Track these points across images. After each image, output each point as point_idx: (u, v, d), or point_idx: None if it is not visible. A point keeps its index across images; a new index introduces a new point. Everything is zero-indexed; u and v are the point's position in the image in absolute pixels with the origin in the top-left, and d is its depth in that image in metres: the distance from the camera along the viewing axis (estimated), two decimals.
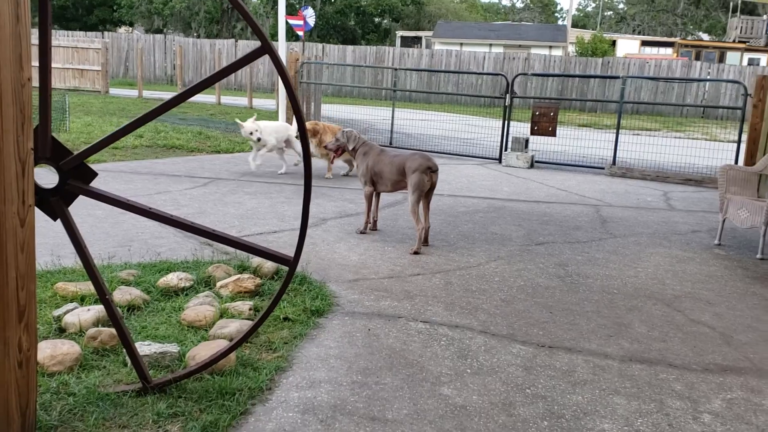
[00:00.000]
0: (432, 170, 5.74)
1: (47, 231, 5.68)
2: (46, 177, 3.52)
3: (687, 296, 4.94)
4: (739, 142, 10.08)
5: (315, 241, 5.92)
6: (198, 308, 4.02)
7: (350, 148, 6.30)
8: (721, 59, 35.33)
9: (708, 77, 25.83)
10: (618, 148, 10.90)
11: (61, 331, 3.76)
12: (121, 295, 4.15)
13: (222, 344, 3.49)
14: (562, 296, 4.79)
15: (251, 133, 8.73)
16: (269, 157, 10.18)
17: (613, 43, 36.71)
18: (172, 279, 4.47)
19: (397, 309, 4.37)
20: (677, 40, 38.04)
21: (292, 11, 25.19)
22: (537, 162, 11.37)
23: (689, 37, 49.97)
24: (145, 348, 3.43)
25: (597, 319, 4.37)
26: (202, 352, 3.39)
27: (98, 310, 3.87)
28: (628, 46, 37.19)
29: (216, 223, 6.33)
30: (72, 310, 3.91)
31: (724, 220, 6.48)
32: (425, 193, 5.80)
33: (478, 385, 3.34)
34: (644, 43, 37.51)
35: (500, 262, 5.56)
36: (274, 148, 9.16)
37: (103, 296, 2.93)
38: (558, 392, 3.32)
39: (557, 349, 3.85)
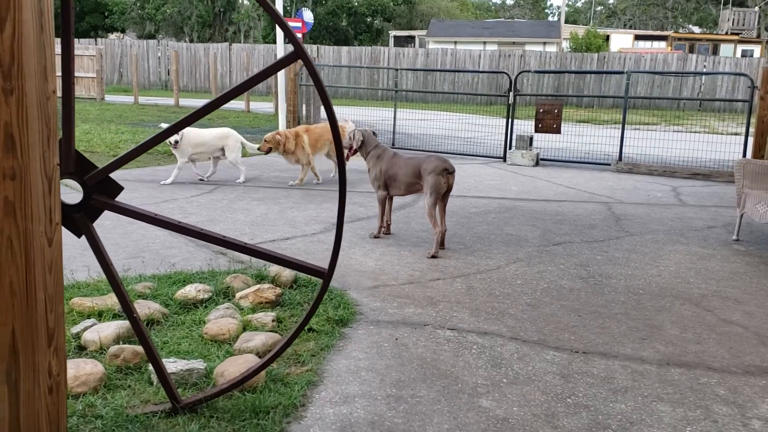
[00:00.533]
0: (449, 172, 5.63)
1: None
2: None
3: (714, 295, 4.85)
4: (746, 134, 10.01)
5: (329, 247, 5.81)
6: (220, 321, 3.91)
7: (354, 147, 6.19)
8: (715, 51, 35.37)
9: (704, 70, 25.80)
10: (623, 143, 10.81)
11: (81, 349, 3.64)
12: (140, 309, 4.03)
13: (249, 359, 3.38)
14: (587, 298, 4.69)
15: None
16: (271, 164, 10.05)
17: (607, 38, 36.70)
18: (190, 291, 4.35)
19: (422, 316, 4.26)
20: (670, 33, 38.06)
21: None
22: (542, 160, 11.28)
23: (680, 30, 50.04)
24: (170, 365, 3.31)
25: (627, 322, 4.27)
26: (230, 368, 3.28)
27: (118, 325, 3.75)
28: (621, 40, 37.18)
29: (227, 231, 6.20)
30: (90, 326, 3.79)
31: (741, 215, 6.39)
32: (442, 196, 5.69)
33: (516, 396, 3.23)
34: (638, 38, 37.52)
35: (520, 264, 5.46)
36: (192, 158, 8.66)
37: (130, 314, 2.81)
38: (600, 401, 3.21)
39: (592, 355, 3.75)
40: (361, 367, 3.50)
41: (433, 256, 5.56)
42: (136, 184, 8.33)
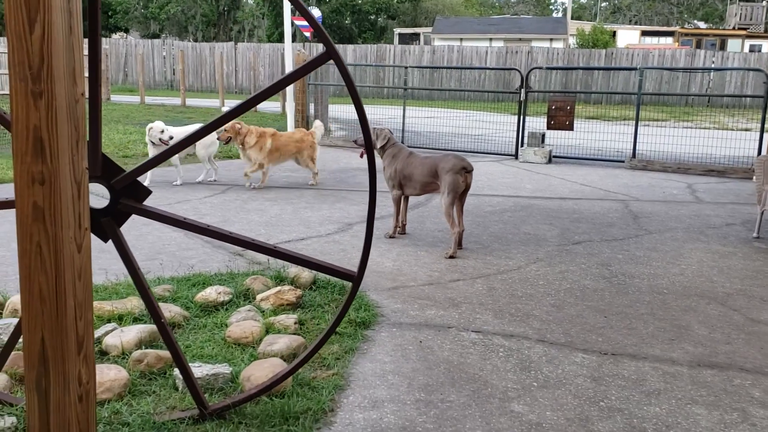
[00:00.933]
0: (467, 170, 5.57)
1: None
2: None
3: (739, 294, 4.78)
4: (762, 131, 9.90)
5: (345, 248, 5.76)
6: (242, 324, 3.86)
7: (378, 146, 6.13)
8: (722, 47, 35.17)
9: (713, 65, 25.65)
10: (636, 140, 10.73)
11: (102, 354, 3.60)
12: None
13: (275, 362, 3.33)
14: (612, 298, 4.62)
15: (162, 132, 8.07)
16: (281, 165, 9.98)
17: (614, 34, 36.52)
18: (211, 293, 4.30)
19: (444, 318, 4.20)
20: (677, 29, 37.87)
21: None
22: (555, 157, 11.20)
23: (686, 26, 49.81)
24: (196, 370, 3.26)
25: (654, 322, 4.20)
26: (256, 372, 3.22)
27: (139, 329, 3.71)
28: (628, 36, 37.00)
29: (242, 232, 6.15)
30: (111, 331, 3.75)
31: (762, 213, 6.31)
32: (459, 195, 5.63)
33: (548, 400, 3.17)
34: (644, 33, 37.33)
35: (540, 264, 5.39)
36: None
37: (158, 320, 2.76)
38: (633, 404, 3.15)
39: (621, 357, 3.68)
40: (387, 370, 3.45)
41: (451, 257, 5.51)
42: (147, 185, 8.28)
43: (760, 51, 33.63)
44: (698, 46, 33.93)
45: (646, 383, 3.37)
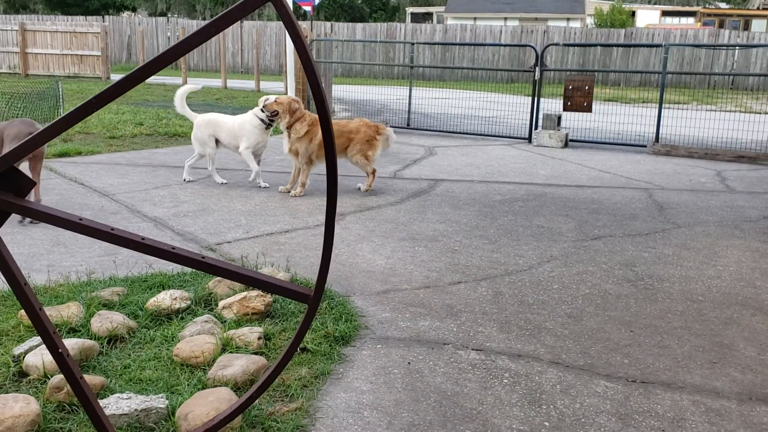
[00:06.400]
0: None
1: (23, 239, 4.89)
2: None
3: None
4: None
5: (334, 242, 5.08)
6: (195, 340, 3.21)
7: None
8: (746, 27, 33.95)
9: (738, 45, 24.61)
10: (660, 123, 9.95)
11: (21, 377, 2.97)
12: (101, 323, 3.34)
13: (222, 395, 2.67)
14: (639, 307, 3.93)
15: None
16: (274, 146, 9.32)
17: (633, 14, 35.38)
18: (164, 299, 3.65)
19: (440, 331, 3.54)
20: (699, 9, 36.62)
21: None
22: (571, 141, 10.43)
23: (708, 6, 48.36)
24: (123, 403, 2.62)
25: (690, 339, 3.51)
26: (196, 408, 2.57)
27: (69, 346, 3.06)
28: (648, 16, 35.83)
29: (220, 222, 5.50)
30: (37, 346, 3.11)
31: None
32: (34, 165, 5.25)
33: None
34: (665, 14, 36.14)
35: (555, 263, 4.70)
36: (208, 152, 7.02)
37: (55, 350, 2.11)
38: None
39: (653, 386, 3.00)
40: (363, 403, 2.79)
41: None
42: (127, 168, 7.65)
43: None
44: (721, 26, 32.76)
45: (685, 425, 2.69)
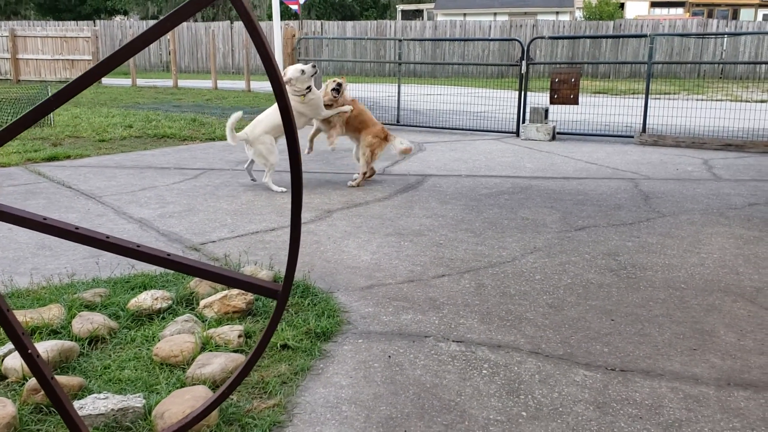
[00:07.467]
0: None
1: (8, 243, 4.89)
2: None
3: None
4: None
5: (320, 239, 5.09)
6: (174, 339, 3.21)
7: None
8: (735, 16, 34.04)
9: (726, 35, 24.66)
10: (647, 113, 9.96)
11: (1, 379, 2.96)
12: (81, 324, 3.34)
13: (199, 393, 2.68)
14: (621, 296, 3.94)
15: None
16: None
17: (621, 5, 35.41)
18: (146, 299, 3.65)
19: (422, 324, 3.54)
20: None
21: None
22: (559, 133, 10.45)
23: None
24: (100, 403, 2.62)
25: (671, 326, 3.52)
26: (173, 407, 2.58)
27: (49, 347, 3.06)
28: (637, 8, 35.87)
29: (205, 222, 5.50)
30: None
31: None
32: None
33: None
34: (654, 4, 36.18)
35: (538, 254, 4.71)
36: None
37: (24, 351, 2.11)
38: None
39: (632, 374, 3.01)
40: (342, 398, 2.79)
41: None
42: (115, 171, 7.63)
43: None
44: (710, 15, 32.82)
45: (663, 411, 2.70)
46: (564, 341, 3.34)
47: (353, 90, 14.08)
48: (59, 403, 2.19)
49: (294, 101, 6.66)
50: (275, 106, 6.84)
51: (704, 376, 2.99)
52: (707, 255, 4.72)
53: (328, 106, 6.88)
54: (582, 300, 3.88)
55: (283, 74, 6.65)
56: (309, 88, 6.72)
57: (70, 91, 1.82)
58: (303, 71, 6.62)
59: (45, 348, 3.05)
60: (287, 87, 6.63)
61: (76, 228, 1.99)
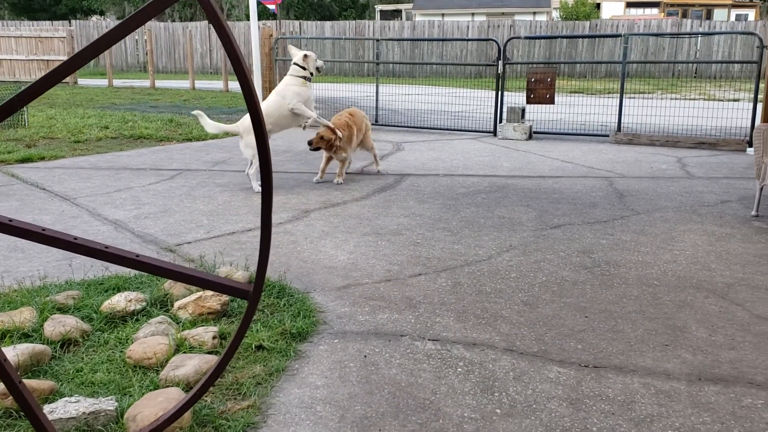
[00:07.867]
0: None
1: None
2: None
3: (741, 284, 4.15)
4: (755, 99, 9.26)
5: (296, 239, 5.08)
6: (148, 341, 3.18)
7: None
8: (709, 16, 34.51)
9: (699, 32, 24.98)
10: (621, 112, 10.07)
11: None
12: (53, 327, 3.30)
13: (171, 395, 2.66)
14: (594, 293, 3.98)
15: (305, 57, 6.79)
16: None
17: (598, 5, 35.75)
18: (119, 301, 3.62)
19: (398, 324, 3.55)
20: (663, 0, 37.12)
21: None
22: (535, 133, 10.52)
23: None
24: (71, 407, 2.59)
25: (644, 323, 3.56)
26: (145, 410, 2.56)
27: (19, 351, 3.02)
28: (612, 8, 36.23)
29: (181, 223, 5.46)
30: None
31: (761, 188, 5.68)
32: None
33: None
34: (629, 5, 36.56)
35: (514, 252, 4.74)
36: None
37: None
38: None
39: (605, 370, 3.04)
40: (317, 398, 2.79)
41: None
42: (90, 172, 7.55)
43: (746, 20, 32.99)
44: (684, 16, 33.25)
45: (635, 407, 2.73)
46: (538, 338, 3.36)
47: (332, 90, 14.09)
48: (27, 408, 2.16)
49: (296, 85, 6.74)
50: (267, 98, 6.85)
51: (676, 372, 3.03)
52: (680, 252, 4.78)
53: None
54: (557, 297, 3.91)
55: (297, 54, 6.83)
56: (311, 75, 6.85)
57: (34, 91, 1.80)
58: (315, 57, 6.85)
59: (16, 352, 3.01)
60: (300, 63, 6.77)
61: (43, 229, 1.97)
